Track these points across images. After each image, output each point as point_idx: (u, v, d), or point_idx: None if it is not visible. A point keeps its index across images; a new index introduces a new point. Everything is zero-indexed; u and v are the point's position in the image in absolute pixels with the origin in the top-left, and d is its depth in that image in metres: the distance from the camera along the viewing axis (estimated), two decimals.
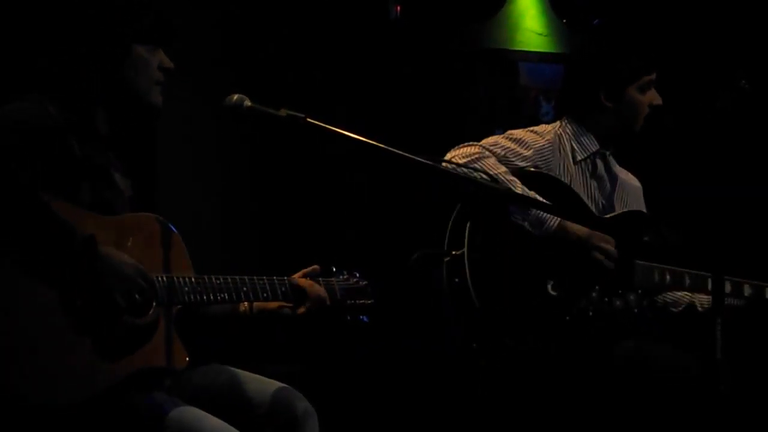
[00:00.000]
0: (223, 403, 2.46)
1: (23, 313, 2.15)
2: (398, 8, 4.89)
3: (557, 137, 3.25)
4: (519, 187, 3.02)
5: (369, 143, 2.26)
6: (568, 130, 3.27)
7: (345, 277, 2.81)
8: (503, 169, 3.07)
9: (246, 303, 2.67)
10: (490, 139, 3.18)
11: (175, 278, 2.40)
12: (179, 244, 2.48)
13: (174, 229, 2.48)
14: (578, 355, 2.89)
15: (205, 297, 2.44)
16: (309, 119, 2.26)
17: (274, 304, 2.67)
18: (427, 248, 2.92)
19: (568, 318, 2.88)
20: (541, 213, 3.00)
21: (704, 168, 3.78)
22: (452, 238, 2.98)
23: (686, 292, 3.29)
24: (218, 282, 2.48)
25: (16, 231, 2.14)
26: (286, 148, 4.46)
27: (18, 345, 2.13)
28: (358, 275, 2.85)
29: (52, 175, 2.27)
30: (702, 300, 3.29)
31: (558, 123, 3.30)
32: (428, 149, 2.35)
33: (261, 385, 2.58)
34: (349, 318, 2.79)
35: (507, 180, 3.02)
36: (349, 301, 2.78)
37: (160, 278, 2.36)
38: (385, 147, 2.26)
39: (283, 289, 2.62)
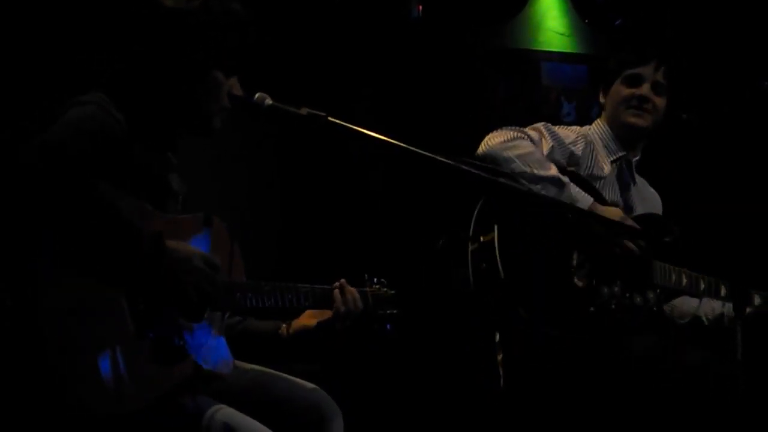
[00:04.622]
0: (250, 402, 2.45)
1: (90, 319, 2.12)
2: (420, 7, 4.90)
3: (588, 134, 3.29)
4: (552, 169, 3.02)
5: (389, 142, 2.25)
6: (598, 131, 3.31)
7: (376, 286, 2.83)
8: (538, 156, 3.05)
9: (284, 326, 2.70)
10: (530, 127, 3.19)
11: (233, 282, 2.43)
12: (238, 251, 2.49)
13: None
14: (598, 347, 2.89)
15: (256, 302, 2.47)
16: (330, 118, 2.26)
17: (311, 323, 2.69)
18: (453, 233, 2.92)
19: (592, 309, 2.89)
20: (575, 195, 3.00)
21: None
22: (478, 225, 2.96)
23: (692, 306, 3.32)
24: (267, 288, 2.51)
25: (86, 233, 2.09)
26: (307, 150, 4.46)
27: (85, 351, 2.10)
28: (386, 283, 2.86)
29: (114, 181, 2.23)
30: (707, 313, 3.32)
31: (588, 126, 3.35)
32: (449, 148, 2.34)
33: (288, 384, 2.58)
34: (377, 327, 2.80)
35: (538, 160, 3.01)
36: (379, 311, 2.79)
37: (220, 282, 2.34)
38: (406, 146, 2.25)
39: (325, 297, 2.65)
